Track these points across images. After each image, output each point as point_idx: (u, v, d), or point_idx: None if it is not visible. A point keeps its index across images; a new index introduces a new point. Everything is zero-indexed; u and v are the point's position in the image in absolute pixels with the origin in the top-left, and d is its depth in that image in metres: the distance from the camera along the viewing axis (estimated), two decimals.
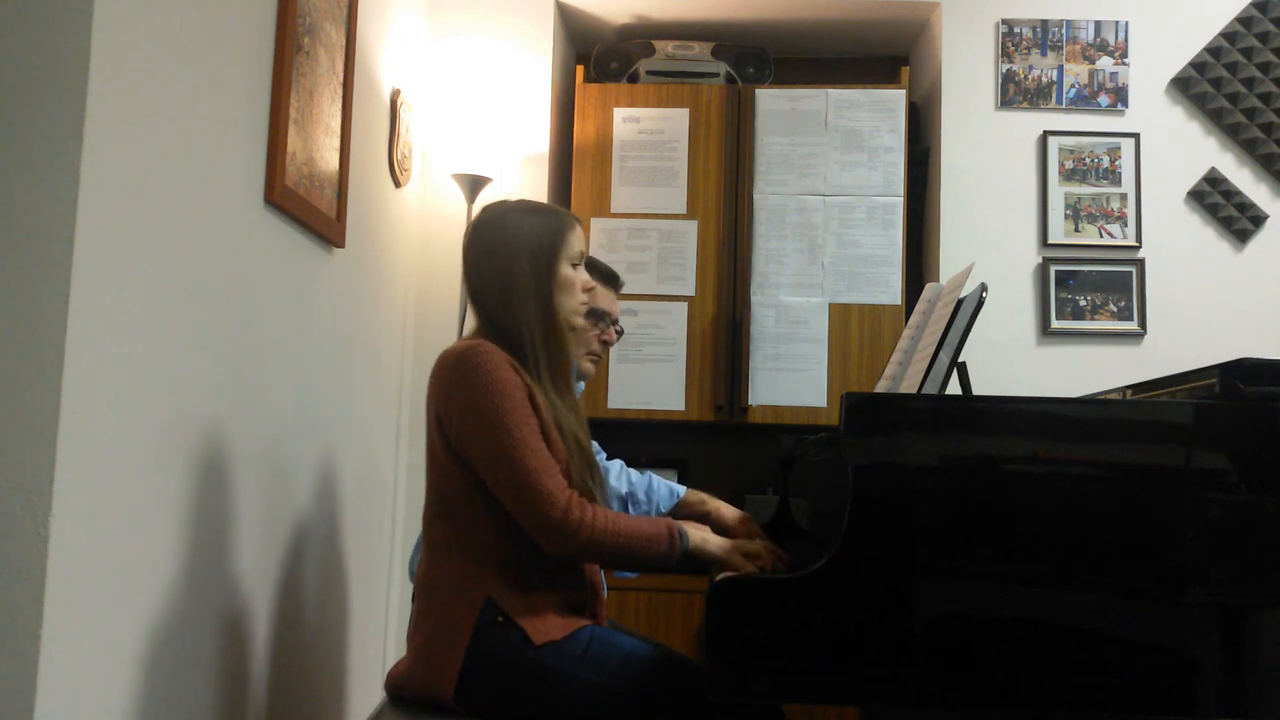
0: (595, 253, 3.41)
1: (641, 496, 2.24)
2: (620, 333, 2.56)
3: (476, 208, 3.23)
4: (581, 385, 2.51)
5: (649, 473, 2.30)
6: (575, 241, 1.95)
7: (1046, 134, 3.46)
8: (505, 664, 1.76)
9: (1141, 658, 1.59)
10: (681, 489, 2.28)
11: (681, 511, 2.27)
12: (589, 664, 1.78)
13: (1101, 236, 3.44)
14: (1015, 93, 3.49)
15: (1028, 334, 3.43)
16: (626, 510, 2.24)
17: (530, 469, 1.75)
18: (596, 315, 2.46)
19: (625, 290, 2.56)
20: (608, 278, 2.52)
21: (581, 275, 1.96)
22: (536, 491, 1.75)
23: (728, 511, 2.23)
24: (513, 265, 1.88)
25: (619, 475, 2.25)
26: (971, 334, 1.88)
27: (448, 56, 3.46)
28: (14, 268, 1.50)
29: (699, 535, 1.85)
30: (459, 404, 1.80)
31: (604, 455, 2.35)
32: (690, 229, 3.46)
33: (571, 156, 3.55)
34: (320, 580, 2.57)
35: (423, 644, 1.82)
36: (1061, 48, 3.50)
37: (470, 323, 1.97)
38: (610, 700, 1.76)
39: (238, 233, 2.05)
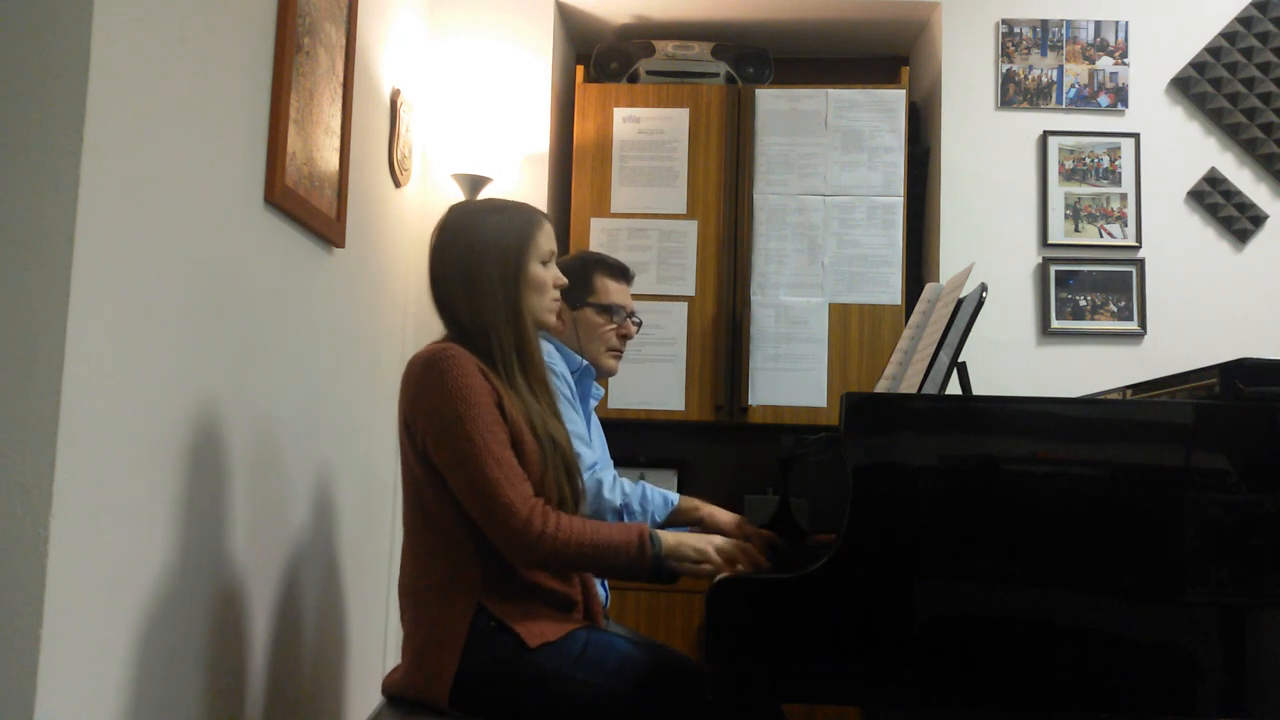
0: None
1: (636, 507, 2.23)
2: (639, 325, 2.54)
3: None
4: (600, 391, 2.50)
5: (642, 482, 2.28)
6: (544, 240, 1.91)
7: (1046, 134, 3.46)
8: (501, 668, 1.75)
9: (1141, 658, 1.60)
10: (676, 496, 2.26)
11: (676, 518, 2.26)
12: (586, 665, 1.77)
13: (1101, 236, 3.44)
14: (1015, 93, 3.49)
15: (1028, 334, 3.43)
16: (622, 519, 2.22)
17: (492, 478, 1.73)
18: (610, 311, 2.45)
19: None
20: (617, 271, 2.50)
21: (553, 273, 1.93)
22: (497, 501, 1.72)
23: (721, 515, 2.22)
24: (480, 267, 1.85)
25: (612, 487, 2.23)
26: (971, 334, 1.88)
27: (448, 56, 3.46)
28: (14, 268, 1.50)
29: (673, 538, 1.81)
30: (424, 409, 1.78)
31: (602, 463, 2.34)
32: (690, 229, 3.46)
33: (571, 156, 3.55)
34: (319, 581, 2.57)
35: (417, 651, 1.81)
36: (1061, 48, 3.50)
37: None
38: (609, 701, 1.76)
39: (238, 233, 2.05)
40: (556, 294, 1.94)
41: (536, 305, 1.90)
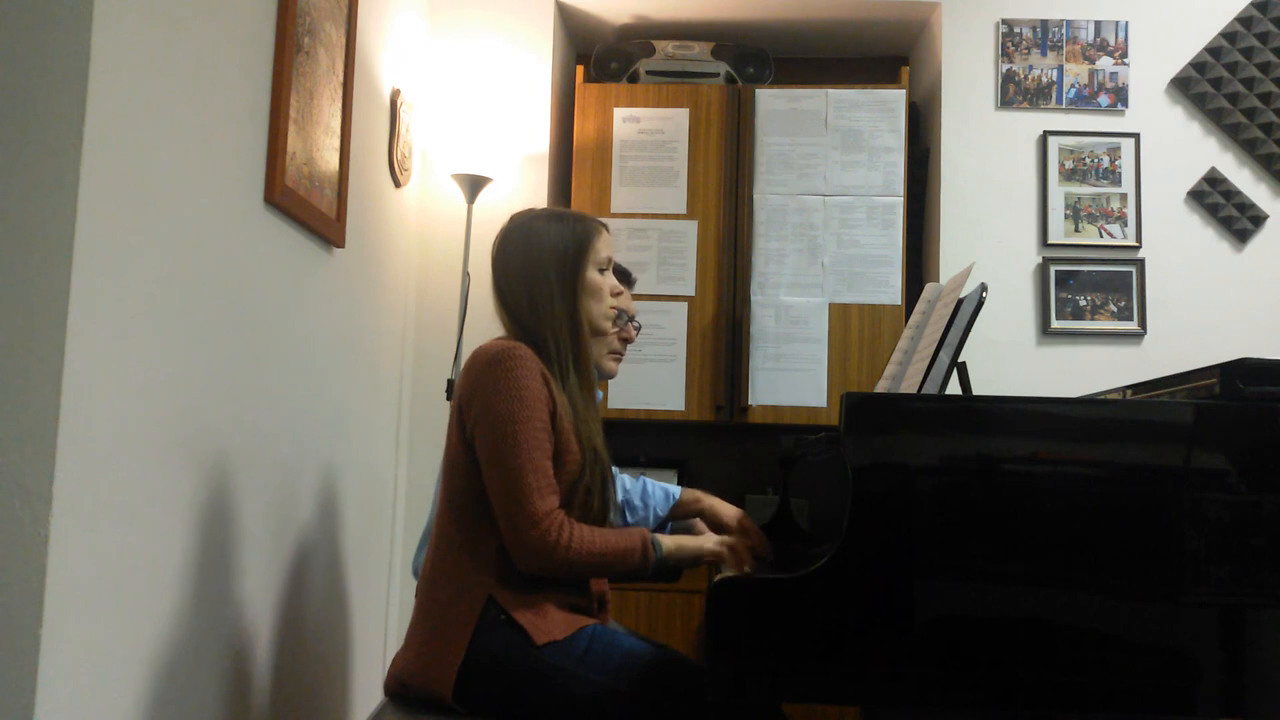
0: None
1: (637, 502, 2.23)
2: (638, 328, 2.57)
3: (477, 208, 3.23)
4: (600, 394, 2.52)
5: (643, 477, 2.29)
6: (602, 247, 1.98)
7: (1046, 134, 3.46)
8: (506, 662, 1.76)
9: (1141, 658, 1.60)
10: (677, 490, 2.27)
11: (678, 511, 2.27)
12: (590, 663, 1.78)
13: (1101, 236, 3.43)
14: (1015, 93, 3.49)
15: (1028, 334, 3.43)
16: (624, 516, 2.23)
17: (525, 484, 1.77)
18: (615, 315, 2.48)
19: None
20: (622, 275, 2.53)
21: (609, 280, 1.99)
22: (523, 507, 1.76)
23: (723, 508, 2.23)
24: (539, 272, 1.91)
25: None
26: (971, 334, 1.88)
27: (448, 56, 3.46)
28: (14, 268, 1.50)
29: (672, 543, 1.88)
30: (480, 401, 1.81)
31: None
32: (690, 229, 3.46)
33: (571, 156, 3.55)
34: (321, 579, 2.57)
35: (423, 641, 1.82)
36: (1061, 48, 3.49)
37: (498, 329, 1.98)
38: (611, 699, 1.76)
39: (238, 233, 2.05)
40: (614, 301, 2.00)
41: (594, 311, 1.97)
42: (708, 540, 1.93)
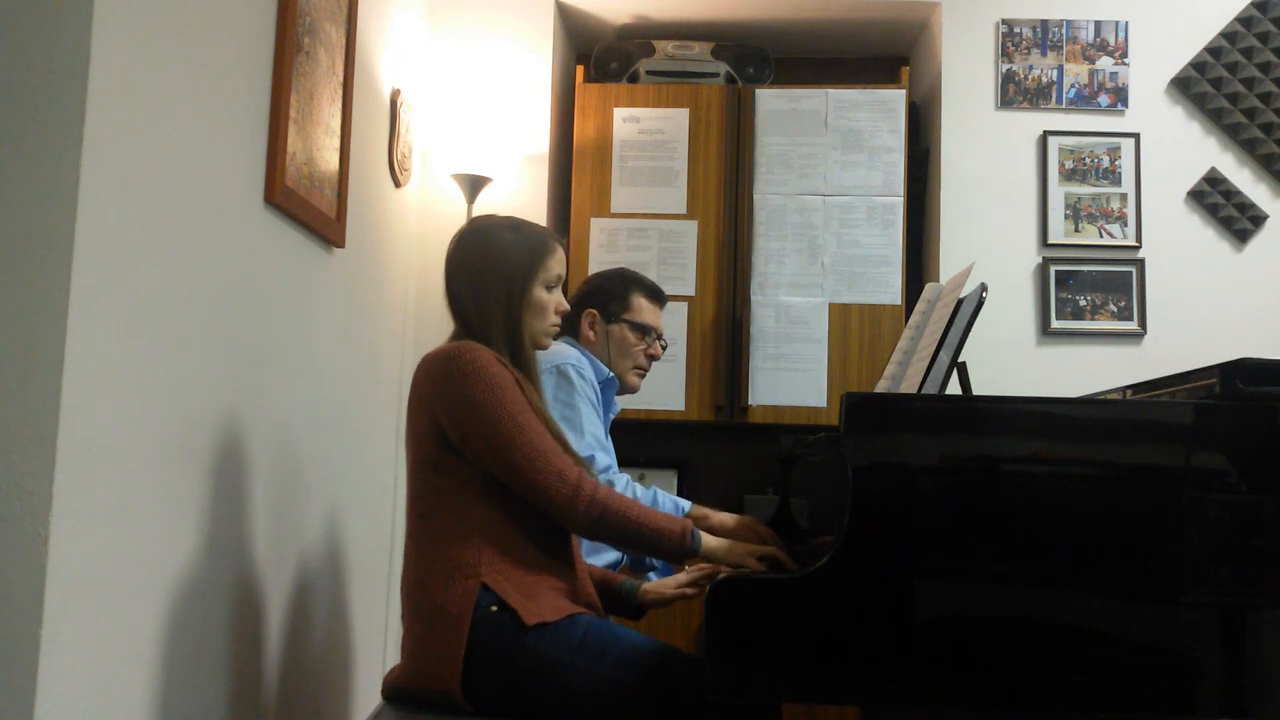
0: (595, 253, 3.41)
1: None
2: (665, 347, 2.61)
3: (477, 208, 3.23)
4: (619, 406, 2.55)
5: (654, 488, 2.32)
6: (554, 264, 1.99)
7: (1046, 134, 3.46)
8: (504, 656, 1.77)
9: (1141, 658, 1.60)
10: (687, 504, 2.29)
11: None
12: (587, 653, 1.79)
13: (1101, 236, 3.44)
14: (1015, 93, 3.49)
15: (1028, 334, 3.43)
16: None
17: (540, 451, 1.82)
18: (643, 330, 2.51)
19: None
20: (654, 293, 2.57)
21: (555, 298, 2.00)
22: (548, 471, 1.81)
23: (730, 522, 2.25)
24: (487, 283, 1.94)
25: (625, 489, 2.26)
26: (971, 334, 1.88)
27: (448, 56, 3.46)
28: (14, 268, 1.50)
29: (713, 542, 1.92)
30: (458, 401, 1.83)
31: (616, 468, 2.36)
32: (690, 229, 3.46)
33: (571, 156, 3.55)
34: (320, 580, 2.57)
35: (420, 639, 1.82)
36: (1061, 48, 3.49)
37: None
38: (612, 690, 1.77)
39: (238, 233, 2.05)
40: (557, 320, 2.02)
41: (535, 328, 1.98)
42: (750, 550, 1.93)
